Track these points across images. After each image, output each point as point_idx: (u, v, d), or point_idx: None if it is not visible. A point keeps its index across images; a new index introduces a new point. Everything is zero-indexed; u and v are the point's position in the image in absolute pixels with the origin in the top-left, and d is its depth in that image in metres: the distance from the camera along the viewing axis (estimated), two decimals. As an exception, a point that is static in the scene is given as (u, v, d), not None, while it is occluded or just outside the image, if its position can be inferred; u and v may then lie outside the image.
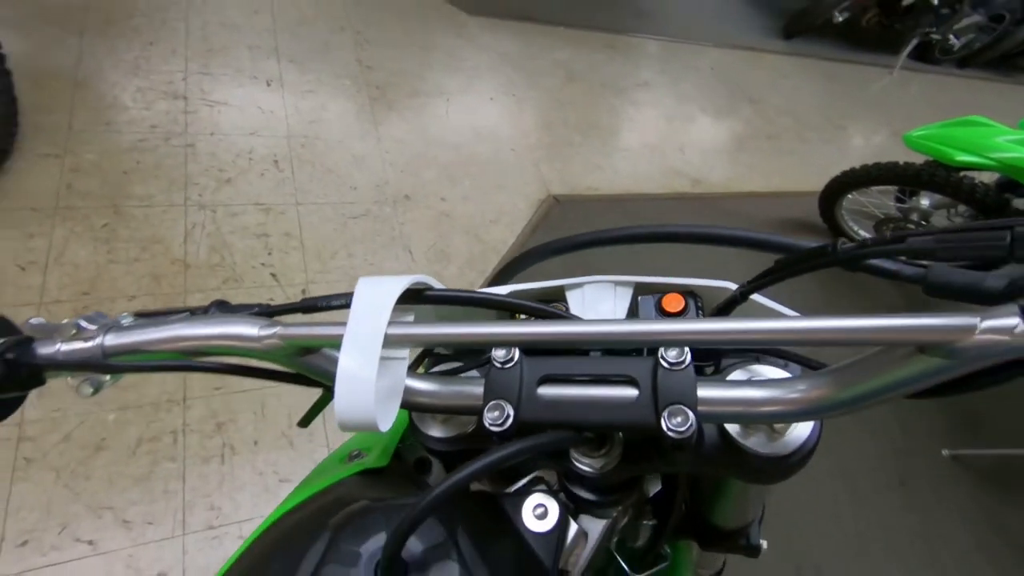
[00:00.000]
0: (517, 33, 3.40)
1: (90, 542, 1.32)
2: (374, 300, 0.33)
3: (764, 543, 0.58)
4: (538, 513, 0.40)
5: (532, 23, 3.52)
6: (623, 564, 0.47)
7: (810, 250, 0.36)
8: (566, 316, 0.44)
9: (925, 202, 2.42)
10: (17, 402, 0.39)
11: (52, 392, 1.49)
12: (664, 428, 0.33)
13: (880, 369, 0.30)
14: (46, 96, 2.05)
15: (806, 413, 0.32)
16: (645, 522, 0.50)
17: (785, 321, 0.30)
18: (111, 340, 0.37)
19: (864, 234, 3.07)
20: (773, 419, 0.34)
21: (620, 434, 0.40)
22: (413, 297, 0.38)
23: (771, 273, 0.38)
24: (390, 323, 0.33)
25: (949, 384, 0.29)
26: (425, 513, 0.31)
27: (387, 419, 0.33)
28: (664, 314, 0.45)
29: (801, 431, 0.36)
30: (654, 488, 0.48)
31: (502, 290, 0.49)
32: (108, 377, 0.39)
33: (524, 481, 0.44)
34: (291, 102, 2.45)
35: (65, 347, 0.37)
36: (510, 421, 0.35)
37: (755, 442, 0.37)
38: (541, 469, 0.46)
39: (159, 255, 1.81)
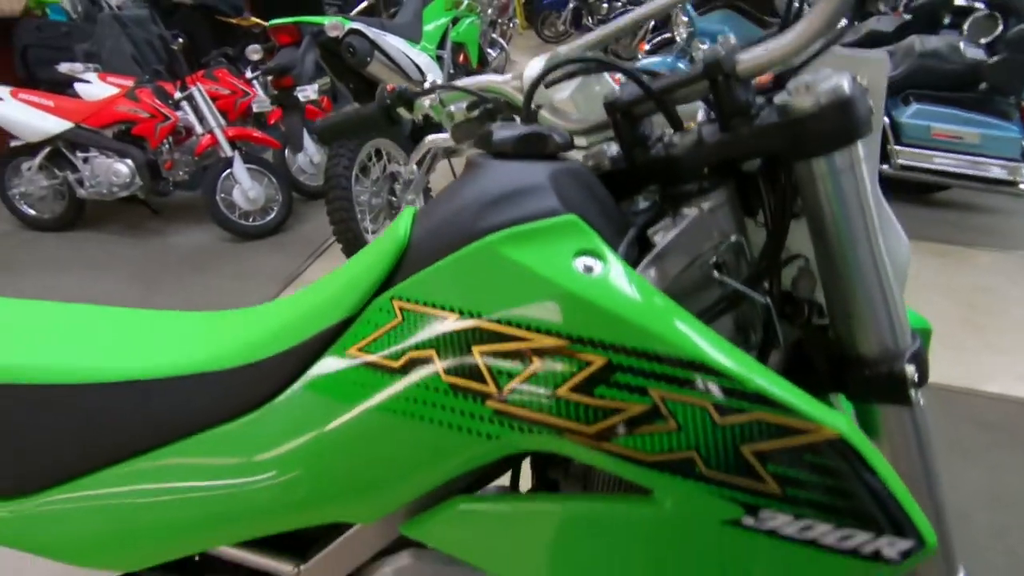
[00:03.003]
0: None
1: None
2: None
3: (916, 382, 0.49)
4: (639, 200, 0.57)
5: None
6: (726, 278, 0.52)
7: None
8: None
9: None
10: (399, 123, 0.77)
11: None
12: (701, 63, 0.47)
13: None
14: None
15: (804, 45, 0.45)
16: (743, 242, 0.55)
17: None
18: (440, 86, 0.75)
19: None
20: (785, 58, 0.46)
21: (698, 125, 0.52)
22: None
23: None
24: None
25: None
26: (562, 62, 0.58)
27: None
28: None
29: (829, 82, 0.44)
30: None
31: None
32: (440, 102, 0.74)
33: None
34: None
35: (417, 88, 0.75)
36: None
37: (798, 100, 0.45)
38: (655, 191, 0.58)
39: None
